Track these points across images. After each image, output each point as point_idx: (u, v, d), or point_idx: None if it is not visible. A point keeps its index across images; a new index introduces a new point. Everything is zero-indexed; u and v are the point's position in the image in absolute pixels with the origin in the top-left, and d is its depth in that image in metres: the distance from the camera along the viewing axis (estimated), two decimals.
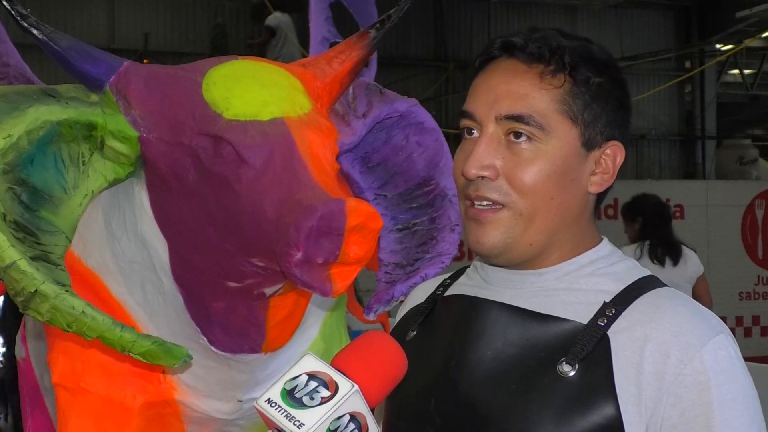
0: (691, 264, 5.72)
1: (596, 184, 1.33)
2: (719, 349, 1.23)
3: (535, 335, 1.28)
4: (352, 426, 1.17)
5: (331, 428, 1.15)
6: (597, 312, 1.27)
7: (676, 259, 5.64)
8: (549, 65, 1.29)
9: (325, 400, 1.16)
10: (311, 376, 1.18)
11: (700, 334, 1.23)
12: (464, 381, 1.31)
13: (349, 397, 1.16)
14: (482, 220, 1.32)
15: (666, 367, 1.21)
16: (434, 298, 1.46)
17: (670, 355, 1.21)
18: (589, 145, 1.30)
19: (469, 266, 1.47)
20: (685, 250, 5.75)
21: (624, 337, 1.24)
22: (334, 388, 1.17)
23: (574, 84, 1.29)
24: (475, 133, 1.33)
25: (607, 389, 1.22)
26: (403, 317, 1.51)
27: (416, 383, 1.36)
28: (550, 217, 1.30)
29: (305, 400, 1.16)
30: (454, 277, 1.48)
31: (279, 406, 1.16)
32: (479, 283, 1.39)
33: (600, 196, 1.37)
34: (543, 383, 1.25)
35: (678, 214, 10.78)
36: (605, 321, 1.25)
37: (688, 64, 14.33)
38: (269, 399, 1.18)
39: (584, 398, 1.22)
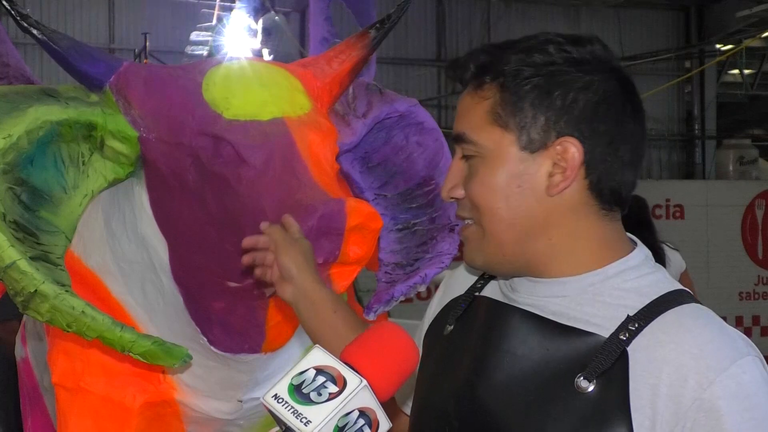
0: (673, 267, 5.48)
1: (554, 185, 1.27)
2: (743, 373, 1.18)
3: (555, 346, 1.26)
4: (361, 422, 1.14)
5: (340, 425, 1.12)
6: (619, 326, 1.22)
7: None
8: (480, 80, 1.31)
9: (332, 396, 1.13)
10: (319, 371, 1.15)
11: (723, 357, 1.18)
12: (482, 386, 1.29)
13: (358, 393, 1.13)
14: (462, 237, 1.37)
15: (684, 391, 1.17)
16: (472, 294, 1.44)
17: (688, 378, 1.17)
18: (532, 147, 1.27)
19: None
20: (668, 252, 5.50)
21: (643, 356, 1.20)
22: (343, 384, 1.14)
23: (502, 91, 1.28)
24: None
25: (622, 409, 1.19)
26: (444, 307, 1.48)
27: (442, 382, 1.35)
28: (506, 226, 1.29)
29: (313, 396, 1.13)
30: None
31: (286, 402, 1.13)
32: (508, 287, 1.38)
33: (604, 197, 1.29)
34: (560, 397, 1.22)
35: (678, 214, 10.76)
36: (627, 335, 1.21)
37: (688, 64, 14.30)
38: (276, 395, 1.14)
39: (599, 417, 1.19)
